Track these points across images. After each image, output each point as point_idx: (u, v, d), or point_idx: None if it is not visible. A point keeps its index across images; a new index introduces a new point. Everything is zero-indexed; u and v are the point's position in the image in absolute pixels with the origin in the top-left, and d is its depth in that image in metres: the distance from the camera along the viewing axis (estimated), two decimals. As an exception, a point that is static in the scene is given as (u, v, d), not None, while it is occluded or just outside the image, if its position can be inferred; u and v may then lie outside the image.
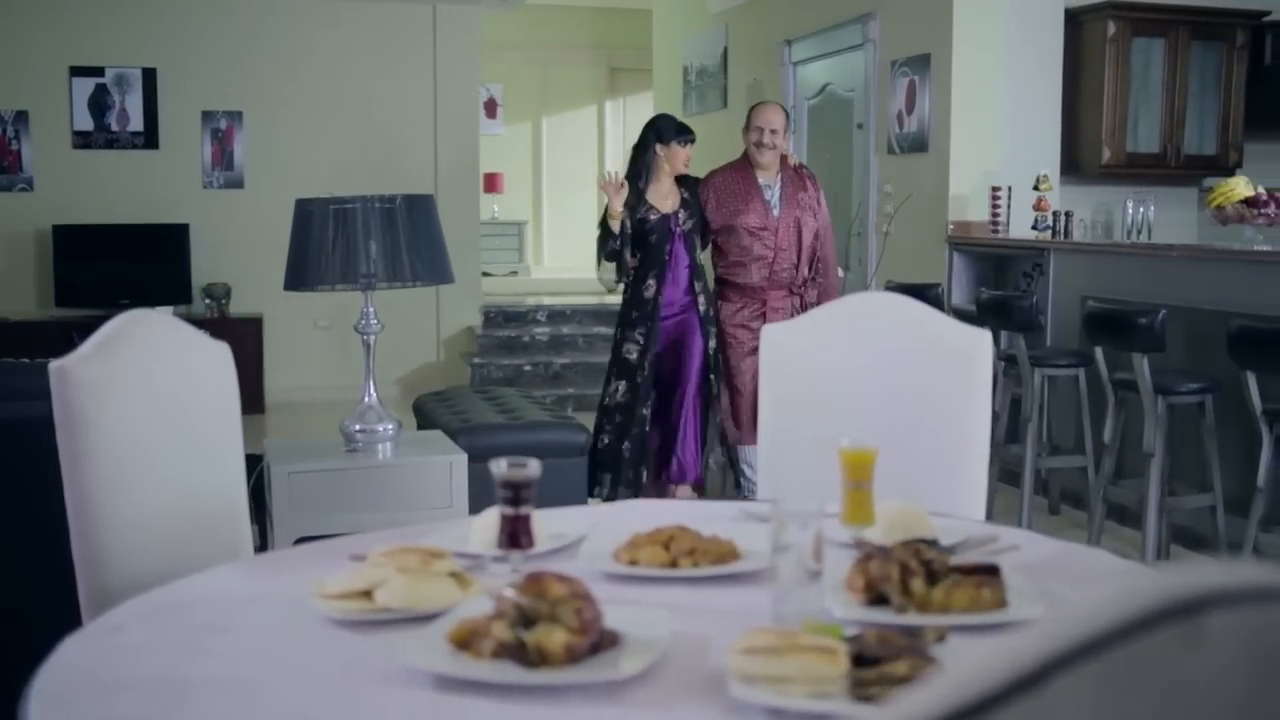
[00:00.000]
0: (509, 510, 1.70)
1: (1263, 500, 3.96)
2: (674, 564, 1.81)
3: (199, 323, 6.98)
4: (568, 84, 13.56)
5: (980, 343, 2.44)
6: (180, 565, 2.06)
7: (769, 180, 5.14)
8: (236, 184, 8.48)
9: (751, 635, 1.38)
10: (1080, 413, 5.14)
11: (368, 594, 1.63)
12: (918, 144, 6.87)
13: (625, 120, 13.61)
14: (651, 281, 5.15)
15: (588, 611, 1.42)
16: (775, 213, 5.09)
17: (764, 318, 5.00)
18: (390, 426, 3.81)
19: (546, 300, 9.73)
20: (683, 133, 5.18)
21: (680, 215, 5.15)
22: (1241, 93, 7.13)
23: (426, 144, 8.87)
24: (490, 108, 12.72)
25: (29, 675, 2.10)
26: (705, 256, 5.40)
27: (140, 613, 1.63)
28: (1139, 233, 6.78)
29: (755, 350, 4.03)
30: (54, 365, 1.97)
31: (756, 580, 1.77)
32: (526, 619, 1.41)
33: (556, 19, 12.70)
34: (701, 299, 5.22)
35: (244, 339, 7.40)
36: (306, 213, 3.82)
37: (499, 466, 1.71)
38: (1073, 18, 6.91)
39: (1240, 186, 4.68)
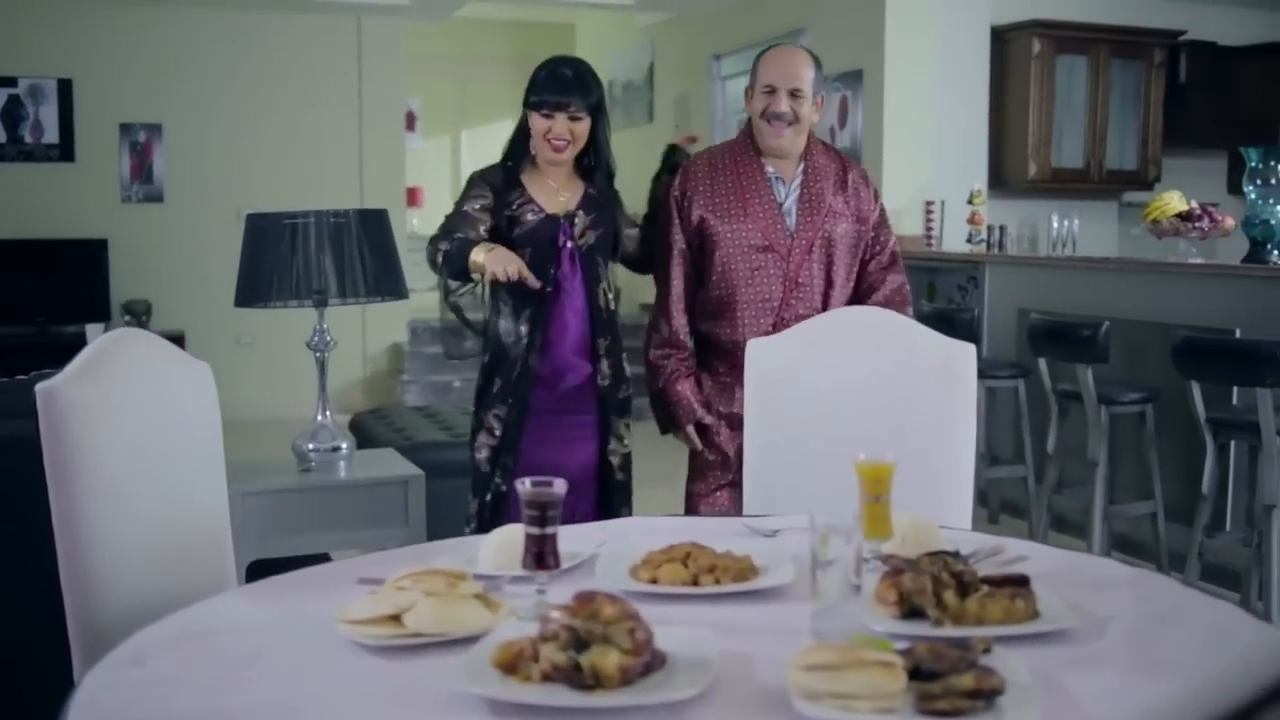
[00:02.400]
0: (535, 530, 1.67)
1: (1207, 507, 4.06)
2: (695, 581, 1.80)
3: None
4: (487, 97, 13.49)
5: (965, 356, 2.48)
6: (169, 588, 2.01)
7: (783, 171, 3.11)
8: (156, 198, 8.28)
9: (810, 651, 1.37)
10: (1020, 423, 5.23)
11: (395, 618, 1.59)
12: (851, 158, 6.95)
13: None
14: (523, 328, 3.06)
15: (641, 632, 1.40)
16: (789, 221, 3.06)
17: None
18: (344, 445, 3.74)
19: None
20: (546, 94, 3.01)
21: (577, 220, 3.05)
22: (1160, 109, 7.35)
23: (351, 158, 8.76)
24: (409, 121, 12.60)
25: (20, 696, 2.03)
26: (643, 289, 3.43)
27: (157, 643, 1.57)
28: (1064, 246, 6.93)
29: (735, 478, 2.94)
30: (40, 386, 1.90)
31: (780, 596, 1.77)
32: (579, 641, 1.39)
33: (475, 32, 12.61)
34: (605, 367, 3.09)
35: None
36: (258, 228, 3.73)
37: (524, 486, 1.68)
38: (999, 35, 7.07)
39: (1174, 201, 4.80)
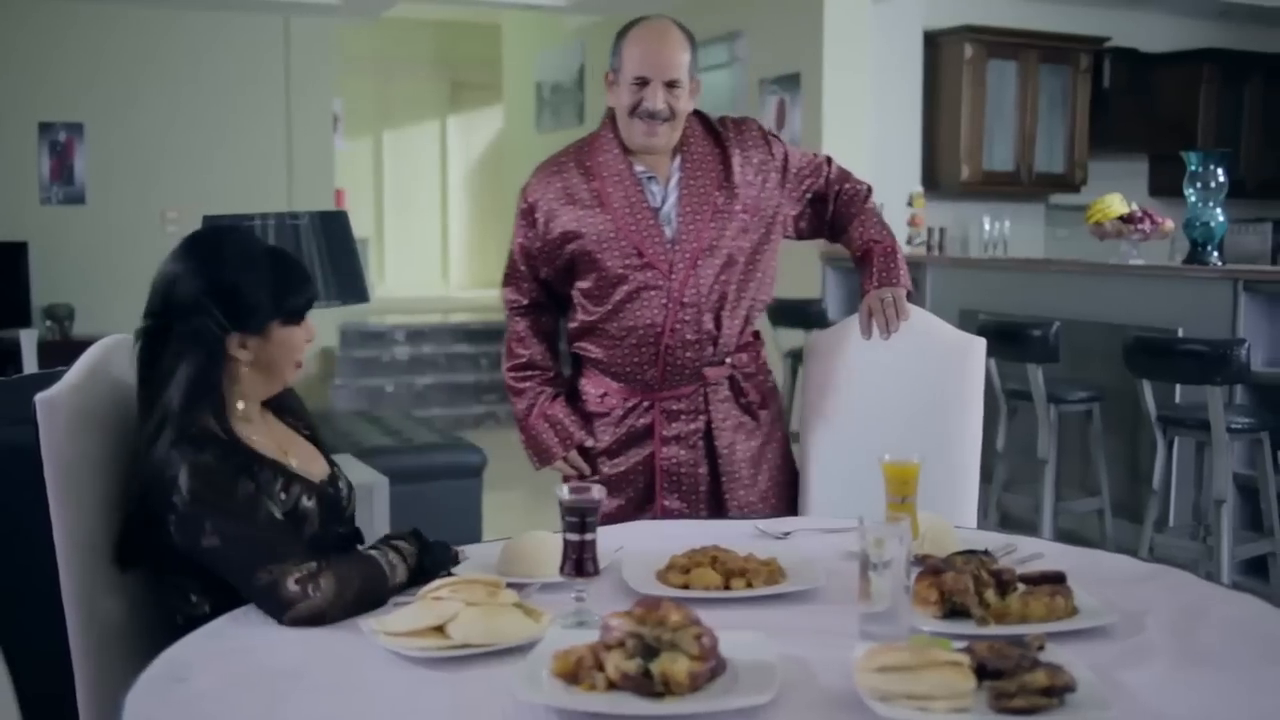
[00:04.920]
0: (574, 536, 1.66)
1: (1157, 502, 4.16)
2: (726, 585, 1.79)
3: (41, 347, 6.58)
4: (409, 98, 13.35)
5: (975, 348, 2.52)
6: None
7: (656, 169, 2.57)
8: (78, 199, 8.05)
9: (878, 653, 1.37)
10: (965, 422, 5.31)
11: (438, 629, 1.56)
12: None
13: (471, 134, 13.50)
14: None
15: (707, 639, 1.39)
16: (668, 231, 2.53)
17: (650, 459, 2.60)
18: (304, 452, 3.67)
19: (404, 319, 9.53)
20: (307, 292, 1.94)
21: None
22: (1086, 114, 7.52)
23: (279, 159, 8.60)
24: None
25: (22, 703, 1.96)
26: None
27: (194, 659, 1.53)
28: (995, 247, 7.07)
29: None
30: (41, 396, 1.86)
31: (813, 598, 1.77)
32: (647, 648, 1.37)
33: (398, 32, 12.48)
34: None
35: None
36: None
37: (562, 492, 1.67)
38: (931, 40, 7.18)
39: (1115, 204, 4.92)
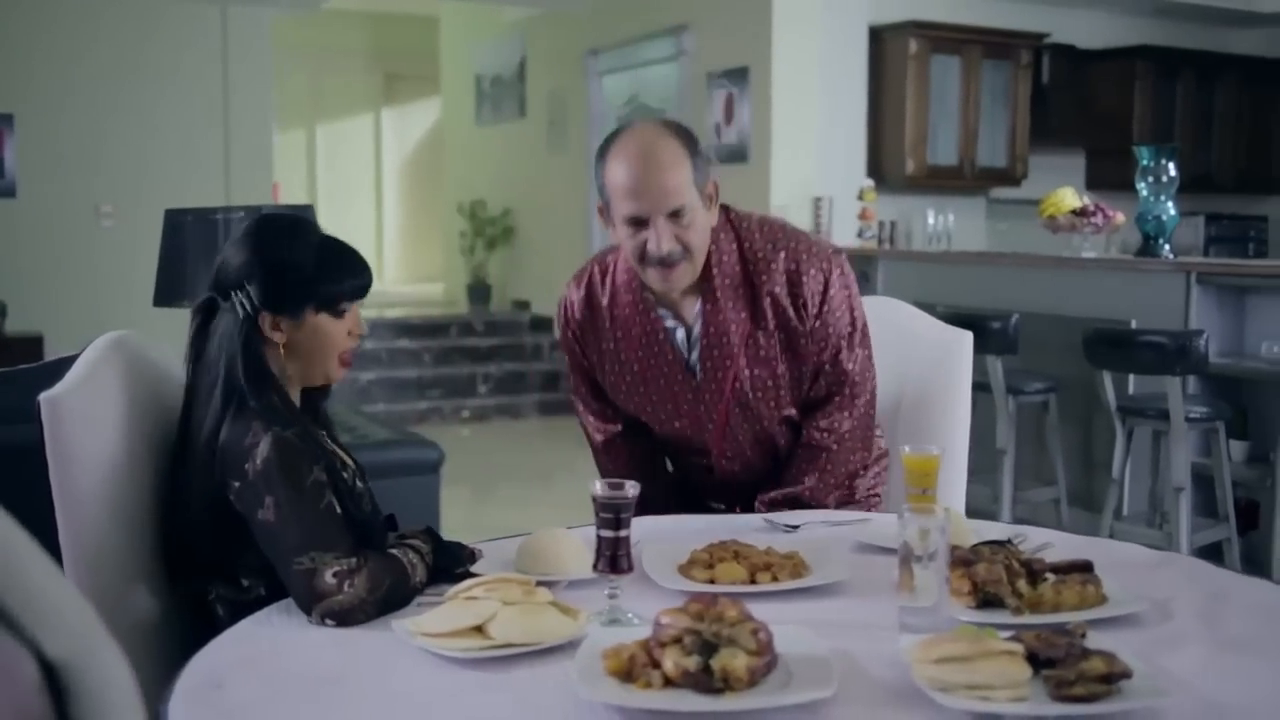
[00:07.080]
0: (609, 533, 1.65)
1: (1116, 491, 4.24)
2: (752, 579, 1.79)
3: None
4: (342, 91, 13.19)
5: (962, 341, 2.55)
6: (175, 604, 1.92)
7: (681, 309, 2.23)
8: (8, 193, 7.84)
9: (934, 644, 1.38)
10: (921, 413, 5.37)
11: (477, 630, 1.54)
12: (737, 155, 7.02)
13: (405, 128, 13.37)
14: None
15: (764, 633, 1.39)
16: (696, 377, 2.24)
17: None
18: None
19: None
20: (356, 277, 1.88)
21: None
22: (1026, 109, 7.64)
23: (216, 152, 8.45)
24: (261, 114, 12.22)
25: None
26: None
27: (227, 665, 1.49)
28: (939, 240, 7.16)
29: None
30: (45, 396, 1.80)
31: (840, 591, 1.77)
32: (705, 644, 1.36)
33: (331, 24, 12.32)
34: None
35: (24, 360, 6.82)
36: (178, 224, 3.59)
37: (596, 488, 1.65)
38: (876, 35, 7.24)
39: (1068, 198, 5.01)
